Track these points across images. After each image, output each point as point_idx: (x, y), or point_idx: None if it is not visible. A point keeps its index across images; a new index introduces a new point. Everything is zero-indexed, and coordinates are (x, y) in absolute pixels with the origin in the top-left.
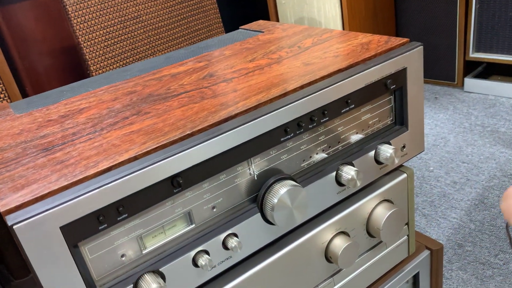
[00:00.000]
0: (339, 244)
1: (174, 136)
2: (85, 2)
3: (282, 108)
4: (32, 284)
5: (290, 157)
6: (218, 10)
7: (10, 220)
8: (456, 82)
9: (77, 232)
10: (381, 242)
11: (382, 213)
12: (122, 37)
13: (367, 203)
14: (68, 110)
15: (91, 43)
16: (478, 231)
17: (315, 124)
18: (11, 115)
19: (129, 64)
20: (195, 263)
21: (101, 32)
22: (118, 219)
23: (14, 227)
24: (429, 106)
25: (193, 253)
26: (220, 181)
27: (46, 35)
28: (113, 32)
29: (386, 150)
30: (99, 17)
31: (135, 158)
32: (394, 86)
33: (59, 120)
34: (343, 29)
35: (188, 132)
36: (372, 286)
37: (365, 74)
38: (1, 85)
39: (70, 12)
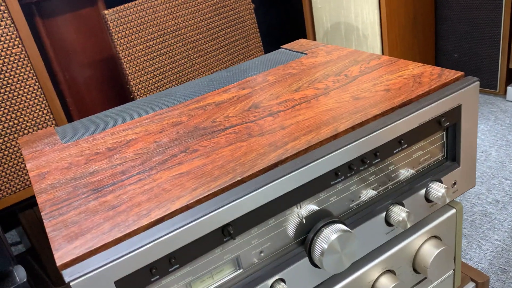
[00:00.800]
0: (385, 284)
1: (224, 182)
2: (125, 17)
3: (334, 153)
4: None
5: (339, 199)
6: (255, 20)
7: (67, 276)
8: (498, 90)
9: (131, 285)
10: (426, 278)
11: (429, 251)
12: (161, 51)
13: (415, 240)
14: (115, 142)
15: (131, 58)
16: None
17: (366, 166)
18: (58, 144)
19: (168, 77)
20: None
21: (141, 46)
22: (170, 270)
23: (71, 283)
24: None
25: None
26: (268, 226)
27: (86, 47)
28: (152, 46)
29: (438, 190)
30: (139, 32)
31: (187, 207)
32: (448, 123)
33: (106, 154)
34: (381, 35)
35: (238, 178)
36: None
37: (419, 113)
38: (45, 101)
39: (111, 28)
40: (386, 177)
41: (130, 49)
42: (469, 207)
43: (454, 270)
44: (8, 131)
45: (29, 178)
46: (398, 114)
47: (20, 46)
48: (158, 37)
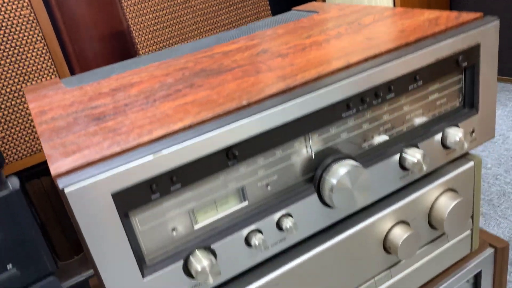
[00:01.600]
0: (400, 233)
1: (230, 107)
2: None
3: (345, 81)
4: (76, 266)
5: (350, 136)
6: None
7: (61, 183)
8: None
9: (129, 200)
10: (442, 235)
11: (446, 203)
12: (171, 22)
13: (431, 191)
14: (120, 84)
15: (140, 26)
16: None
17: (379, 100)
18: (62, 89)
19: None
20: (247, 242)
21: (150, 16)
22: (171, 189)
23: (65, 190)
24: None
25: (246, 231)
26: (275, 158)
27: (96, 20)
28: (162, 17)
29: (455, 134)
30: (149, 1)
31: (189, 127)
32: (466, 63)
33: (110, 93)
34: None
35: (244, 103)
36: (431, 283)
37: (435, 48)
38: (53, 66)
39: None
40: (401, 118)
41: (139, 17)
42: (487, 187)
43: (472, 230)
44: (16, 94)
45: (35, 144)
46: (414, 48)
47: (29, 8)
48: (168, 7)
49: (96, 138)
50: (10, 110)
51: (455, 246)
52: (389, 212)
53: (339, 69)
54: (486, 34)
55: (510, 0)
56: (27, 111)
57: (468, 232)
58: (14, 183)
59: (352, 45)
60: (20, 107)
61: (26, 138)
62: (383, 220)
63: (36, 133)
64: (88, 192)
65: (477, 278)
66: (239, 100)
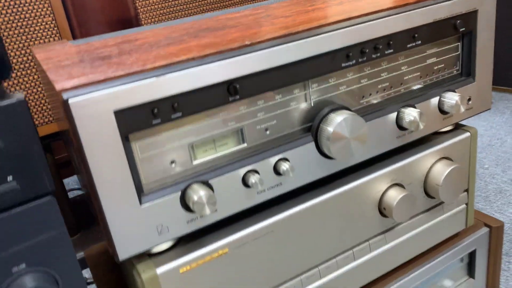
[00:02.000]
0: (395, 195)
1: (232, 46)
2: None
3: (346, 29)
4: (79, 243)
5: (349, 90)
6: None
7: (66, 95)
8: None
9: (130, 121)
10: (438, 206)
11: (442, 169)
12: (179, 7)
13: (427, 157)
14: (125, 40)
15: (149, 15)
16: None
17: (379, 54)
18: (69, 45)
19: None
20: (245, 183)
21: (159, 6)
22: (172, 116)
23: (69, 101)
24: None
25: (243, 171)
26: (275, 102)
27: (104, 6)
28: (170, 1)
29: (452, 98)
30: None
31: (193, 59)
32: (464, 28)
33: (116, 45)
34: None
35: (247, 43)
36: (425, 257)
37: (434, 8)
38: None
39: None
40: (399, 79)
41: (149, 6)
42: (484, 185)
43: (467, 204)
44: (22, 66)
45: (48, 114)
46: (413, 6)
47: None
48: None
49: (101, 68)
50: (15, 81)
51: (450, 219)
52: (385, 172)
53: (340, 20)
54: (482, 1)
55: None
56: (36, 82)
57: (463, 206)
58: (19, 95)
59: (354, 7)
60: (25, 79)
61: (34, 110)
62: (379, 180)
63: (43, 105)
64: (91, 106)
65: (471, 258)
66: (242, 41)
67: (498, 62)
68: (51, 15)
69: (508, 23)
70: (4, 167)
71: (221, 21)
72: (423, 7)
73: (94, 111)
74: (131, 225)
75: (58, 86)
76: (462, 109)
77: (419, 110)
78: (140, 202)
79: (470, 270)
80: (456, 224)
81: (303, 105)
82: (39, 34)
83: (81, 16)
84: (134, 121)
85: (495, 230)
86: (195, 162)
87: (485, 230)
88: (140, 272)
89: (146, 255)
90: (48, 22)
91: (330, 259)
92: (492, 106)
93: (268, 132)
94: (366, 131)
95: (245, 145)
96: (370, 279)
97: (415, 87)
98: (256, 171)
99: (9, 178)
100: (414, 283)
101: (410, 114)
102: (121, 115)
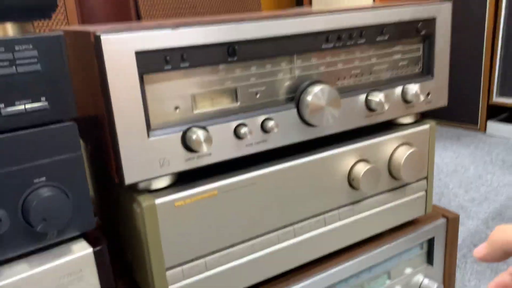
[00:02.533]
0: (362, 167)
1: (235, 17)
2: None
3: (327, 16)
4: None
5: (327, 71)
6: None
7: (98, 32)
8: (479, 127)
9: (147, 63)
10: (400, 187)
11: (404, 151)
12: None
13: (391, 140)
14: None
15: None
16: None
17: (352, 42)
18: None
19: None
20: (236, 135)
21: None
22: (181, 65)
23: (101, 37)
24: (451, 144)
25: (235, 123)
26: (265, 70)
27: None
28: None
29: (413, 88)
30: None
31: (200, 22)
32: (424, 31)
33: (126, 23)
34: None
35: (244, 16)
36: (388, 238)
37: (400, 10)
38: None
39: None
40: (369, 68)
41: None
42: (447, 202)
43: (426, 192)
44: None
45: None
46: (382, 6)
47: None
48: None
49: (126, 24)
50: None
51: (411, 203)
52: (354, 148)
53: (321, 11)
54: (440, 11)
55: (474, 55)
56: None
57: (423, 193)
58: (59, 32)
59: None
60: None
61: None
62: (349, 154)
63: None
64: (118, 44)
65: (430, 246)
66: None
67: (464, 102)
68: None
69: (472, 61)
70: (40, 88)
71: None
72: (391, 7)
73: (120, 48)
74: (139, 155)
75: (91, 29)
76: (422, 98)
77: (384, 94)
78: (148, 135)
79: (429, 257)
80: (417, 208)
81: (289, 77)
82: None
83: (85, 12)
84: (150, 63)
85: (452, 221)
86: (196, 111)
87: (442, 220)
88: (141, 201)
89: (146, 191)
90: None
91: (304, 220)
92: (459, 141)
93: (258, 96)
94: (339, 99)
95: (238, 104)
96: (338, 247)
97: (382, 77)
98: (245, 125)
99: (43, 98)
100: (377, 260)
101: (377, 96)
102: (140, 56)
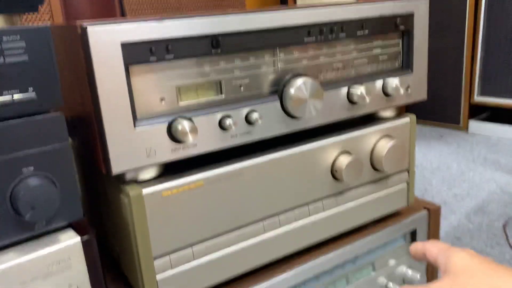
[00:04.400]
0: (345, 159)
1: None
2: None
3: (309, 10)
4: None
5: (309, 64)
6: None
7: (84, 24)
8: (461, 125)
9: (133, 54)
10: (383, 179)
11: (386, 143)
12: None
13: (373, 133)
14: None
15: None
16: (476, 229)
17: (333, 36)
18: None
19: None
20: (221, 126)
21: None
22: (166, 57)
23: (88, 28)
24: (434, 142)
25: (220, 115)
26: (249, 63)
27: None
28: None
29: (393, 81)
30: None
31: (185, 15)
32: (403, 26)
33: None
34: None
35: (229, 11)
36: (371, 230)
37: (379, 5)
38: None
39: None
40: (350, 62)
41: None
42: (430, 198)
43: (408, 183)
44: None
45: None
46: (362, 2)
47: None
48: None
49: (113, 18)
50: None
51: (393, 195)
52: (337, 141)
53: (303, 6)
54: (418, 7)
55: (455, 56)
56: None
57: (405, 184)
58: (46, 24)
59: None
60: None
61: None
62: (331, 146)
63: None
64: (104, 35)
65: (413, 238)
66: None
67: (446, 102)
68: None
69: (453, 61)
70: (28, 79)
71: None
72: (370, 2)
73: (106, 40)
74: (125, 145)
75: (78, 22)
76: (402, 92)
77: (366, 87)
78: (134, 126)
79: None
80: (399, 200)
81: (272, 70)
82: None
83: (70, 11)
84: (136, 54)
85: (433, 213)
86: (181, 103)
87: (424, 212)
88: (128, 191)
89: (133, 182)
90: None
91: (289, 210)
92: (441, 140)
93: (242, 88)
94: (322, 92)
95: (222, 96)
96: (323, 237)
97: (363, 71)
98: (230, 117)
99: (30, 89)
100: (361, 251)
101: (359, 89)
102: (126, 47)
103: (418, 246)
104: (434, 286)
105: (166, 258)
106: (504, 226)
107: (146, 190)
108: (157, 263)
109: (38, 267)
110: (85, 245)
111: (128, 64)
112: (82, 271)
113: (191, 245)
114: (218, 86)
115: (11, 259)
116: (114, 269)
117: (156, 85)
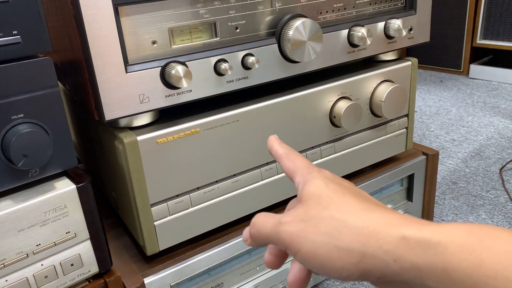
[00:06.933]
0: (344, 104)
1: None
2: None
3: None
4: None
5: (309, 4)
6: None
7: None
8: (462, 70)
9: None
10: (381, 125)
11: (386, 87)
12: None
13: (373, 77)
14: None
15: None
16: (472, 174)
17: None
18: None
19: None
20: (216, 71)
21: None
22: None
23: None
24: (434, 87)
25: (215, 59)
26: (245, 2)
27: None
28: None
29: (395, 23)
30: None
31: None
32: None
33: None
34: None
35: None
36: (369, 174)
37: None
38: None
39: None
40: (351, 2)
41: None
42: (428, 143)
43: (407, 129)
44: None
45: None
46: None
47: None
48: None
49: None
50: None
51: (392, 140)
52: (336, 85)
53: None
54: None
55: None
56: None
57: (404, 130)
58: None
59: None
60: None
61: None
62: (330, 91)
63: None
64: None
65: (410, 183)
66: None
67: (448, 44)
68: None
69: (457, 3)
70: (11, 21)
71: None
72: None
73: None
74: (117, 90)
75: None
76: (404, 33)
77: (367, 28)
78: (126, 70)
79: (409, 194)
80: (397, 145)
81: (269, 10)
82: None
83: None
84: None
85: (431, 157)
86: (174, 46)
87: (422, 157)
88: (122, 138)
89: (128, 129)
90: None
91: None
92: (442, 84)
93: (238, 30)
94: (321, 33)
95: (217, 39)
96: None
97: (365, 12)
98: (226, 61)
99: (14, 32)
100: None
101: (360, 31)
102: None
103: (276, 147)
104: (287, 217)
105: (164, 205)
106: (501, 171)
107: (140, 137)
108: (155, 209)
109: (35, 214)
110: (81, 192)
111: (117, 5)
112: (79, 218)
113: (188, 192)
114: (213, 28)
115: (7, 207)
116: (113, 215)
117: (147, 27)
